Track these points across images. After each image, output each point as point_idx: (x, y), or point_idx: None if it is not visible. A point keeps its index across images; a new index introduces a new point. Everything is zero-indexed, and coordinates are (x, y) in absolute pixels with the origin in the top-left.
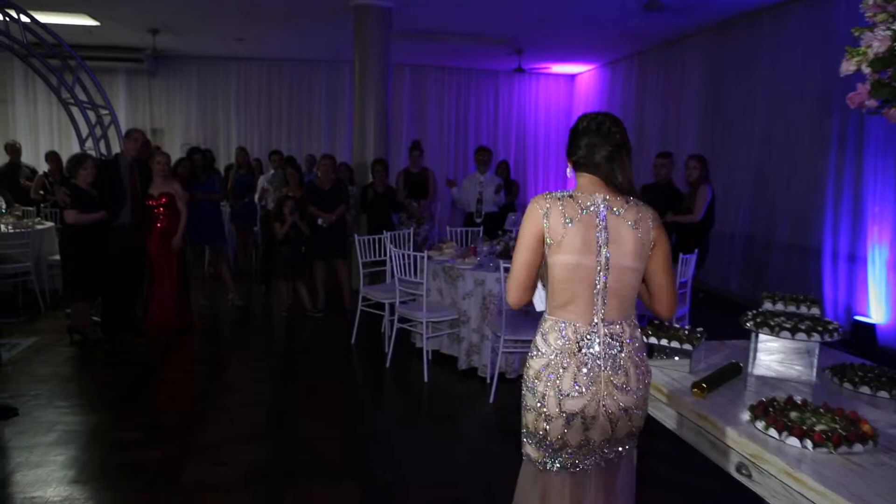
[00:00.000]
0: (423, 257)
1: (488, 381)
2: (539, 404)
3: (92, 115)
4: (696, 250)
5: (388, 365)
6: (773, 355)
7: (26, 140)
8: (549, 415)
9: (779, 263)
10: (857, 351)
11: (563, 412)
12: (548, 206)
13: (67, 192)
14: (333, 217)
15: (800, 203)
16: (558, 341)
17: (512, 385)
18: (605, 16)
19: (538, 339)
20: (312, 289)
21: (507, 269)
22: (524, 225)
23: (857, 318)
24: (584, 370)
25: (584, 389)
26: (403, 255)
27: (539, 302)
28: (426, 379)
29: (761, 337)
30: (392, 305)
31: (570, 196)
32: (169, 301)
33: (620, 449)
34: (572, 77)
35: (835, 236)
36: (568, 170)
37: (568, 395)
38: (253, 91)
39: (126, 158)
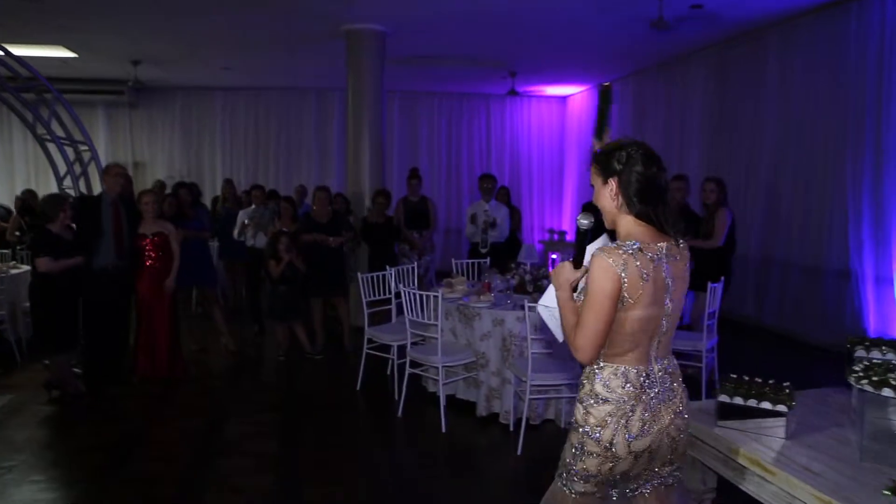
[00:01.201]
0: (436, 296)
1: (511, 428)
2: (605, 449)
3: (70, 152)
4: (723, 278)
5: (399, 413)
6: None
7: (1, 178)
8: (617, 456)
9: (794, 286)
10: None
11: (631, 452)
12: (623, 262)
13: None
14: (342, 240)
15: (815, 222)
16: (622, 387)
17: (538, 433)
18: (603, 35)
19: (598, 387)
20: (310, 329)
21: (531, 308)
22: (598, 280)
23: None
24: (650, 411)
25: (651, 428)
26: (414, 295)
27: (559, 331)
28: (444, 428)
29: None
30: (401, 347)
31: (640, 249)
32: (160, 348)
33: (677, 472)
34: (564, 99)
35: (859, 256)
36: (608, 201)
37: (636, 435)
38: (239, 121)
39: (109, 196)
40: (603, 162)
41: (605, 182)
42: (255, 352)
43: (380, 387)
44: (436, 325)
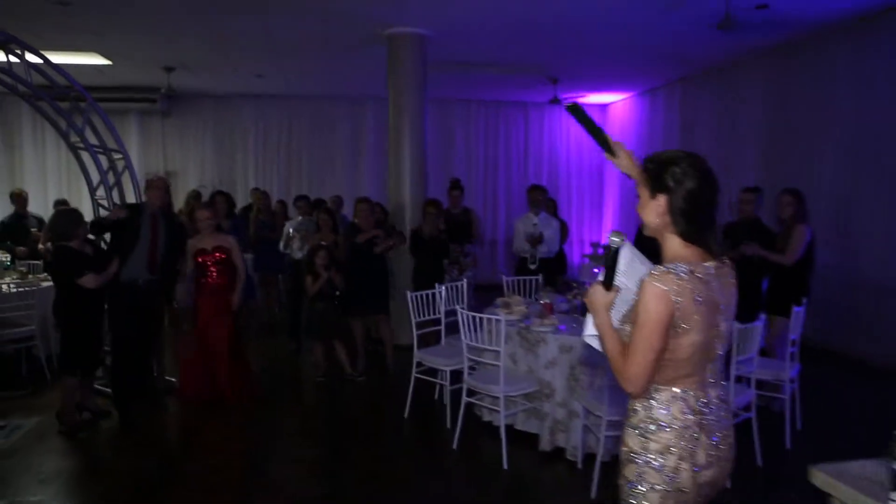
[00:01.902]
0: (498, 320)
1: (579, 465)
2: (669, 479)
3: (104, 160)
4: (805, 300)
5: (455, 445)
6: None
7: (34, 188)
8: (681, 489)
9: (869, 306)
10: None
11: (697, 483)
12: (676, 287)
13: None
14: (392, 242)
15: (891, 238)
16: (682, 413)
17: (609, 470)
18: (654, 39)
19: (656, 412)
20: (351, 348)
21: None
22: (651, 307)
23: None
24: (712, 438)
25: (716, 459)
26: (472, 317)
27: (595, 342)
28: (505, 465)
29: None
30: (453, 373)
31: (691, 271)
32: (219, 370)
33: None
34: (604, 107)
35: None
36: (654, 216)
37: (703, 466)
38: (271, 130)
39: (150, 208)
40: (653, 174)
41: (654, 196)
42: (290, 372)
43: (430, 414)
44: (492, 350)
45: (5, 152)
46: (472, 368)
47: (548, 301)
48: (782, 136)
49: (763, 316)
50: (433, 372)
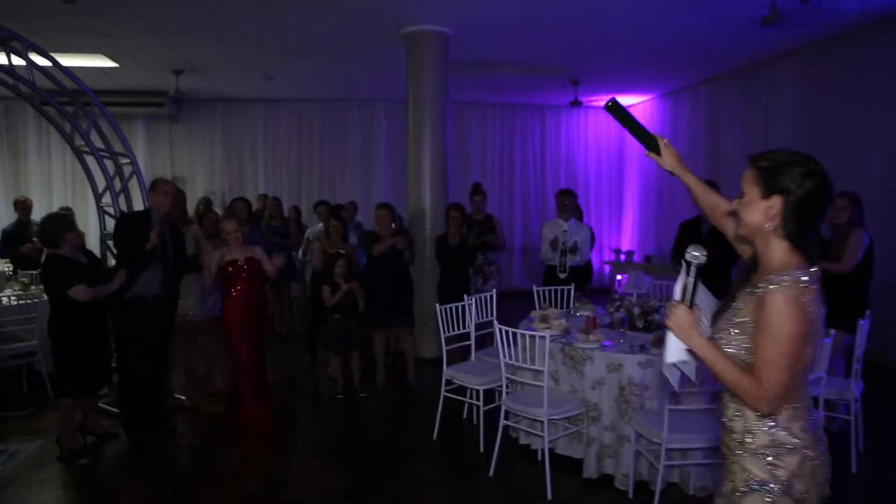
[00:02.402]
0: (542, 337)
1: (631, 495)
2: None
3: (110, 166)
4: (868, 313)
5: (491, 472)
6: None
7: (39, 196)
8: None
9: None
10: None
11: (822, 498)
12: (807, 295)
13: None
14: (390, 243)
15: None
16: (803, 431)
17: (666, 499)
18: (683, 38)
19: (780, 434)
20: (367, 362)
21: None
22: (790, 321)
23: None
24: (820, 448)
25: (828, 477)
26: (511, 333)
27: (683, 368)
28: (549, 495)
29: None
30: (486, 391)
31: (809, 278)
32: (261, 388)
33: None
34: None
35: None
36: (760, 216)
37: (823, 481)
38: (281, 134)
39: (157, 214)
40: (769, 174)
41: (766, 197)
42: (307, 386)
43: (460, 436)
44: (532, 370)
45: (10, 159)
46: (511, 388)
47: (590, 314)
48: (816, 138)
49: (833, 332)
50: (461, 390)
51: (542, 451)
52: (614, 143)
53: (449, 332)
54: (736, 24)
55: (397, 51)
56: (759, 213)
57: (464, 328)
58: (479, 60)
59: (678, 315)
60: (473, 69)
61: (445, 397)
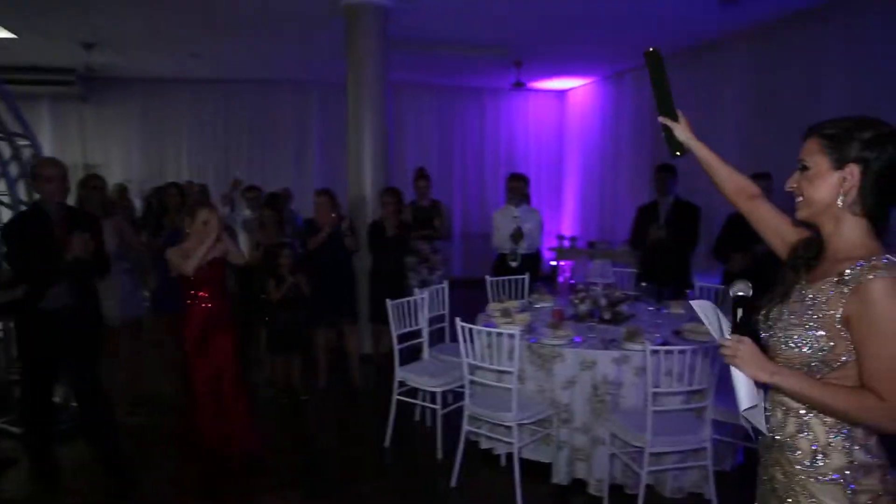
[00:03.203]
0: (511, 335)
1: (605, 500)
2: None
3: (5, 148)
4: None
5: (453, 482)
6: None
7: None
8: None
9: None
10: None
11: None
12: None
13: None
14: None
15: None
16: (877, 446)
17: None
18: (632, 18)
19: (858, 454)
20: (308, 362)
21: (654, 352)
22: None
23: None
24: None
25: None
26: (473, 331)
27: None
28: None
29: None
30: (446, 394)
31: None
32: (243, 408)
33: None
34: (563, 93)
35: None
36: (829, 191)
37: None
38: (206, 118)
39: (53, 208)
40: (838, 141)
41: (838, 167)
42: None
43: (415, 442)
44: (497, 370)
45: None
46: (461, 388)
47: (555, 307)
48: (768, 119)
49: None
50: (413, 392)
51: (506, 456)
52: (554, 126)
53: (401, 328)
54: (689, 3)
55: (332, 31)
56: (828, 188)
57: (415, 324)
58: (419, 37)
59: (745, 351)
60: (414, 48)
61: (399, 401)
